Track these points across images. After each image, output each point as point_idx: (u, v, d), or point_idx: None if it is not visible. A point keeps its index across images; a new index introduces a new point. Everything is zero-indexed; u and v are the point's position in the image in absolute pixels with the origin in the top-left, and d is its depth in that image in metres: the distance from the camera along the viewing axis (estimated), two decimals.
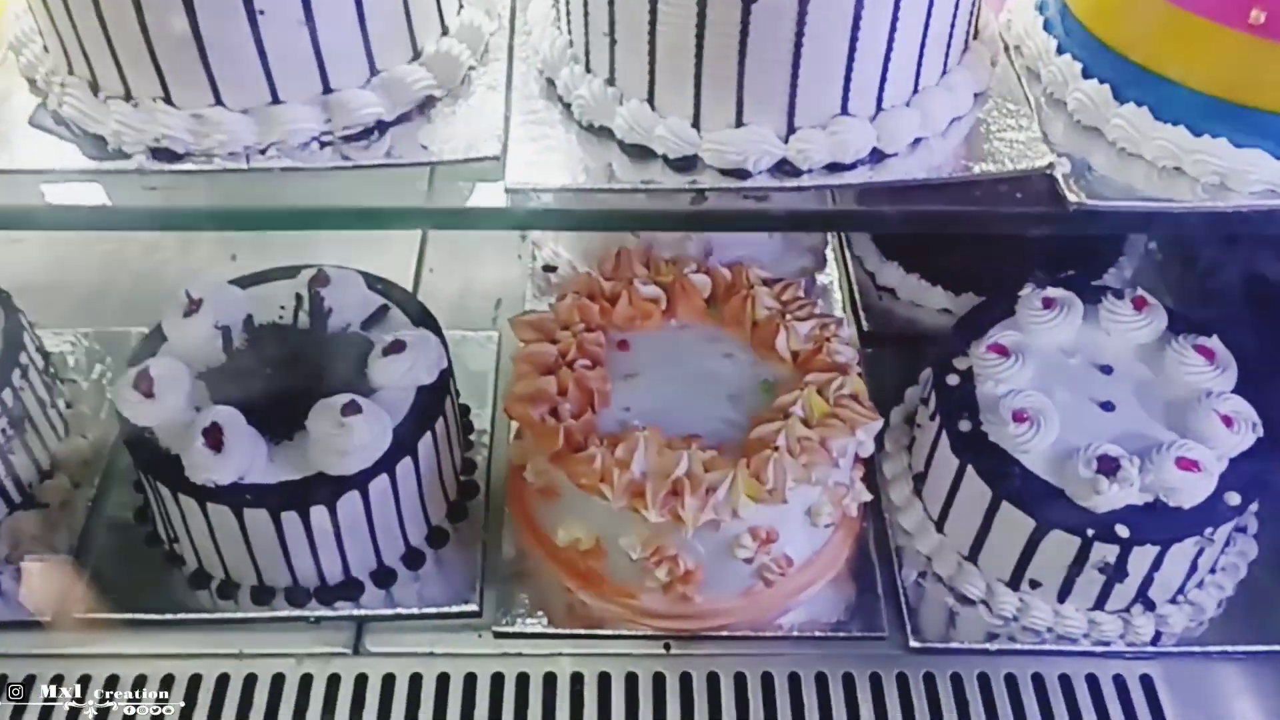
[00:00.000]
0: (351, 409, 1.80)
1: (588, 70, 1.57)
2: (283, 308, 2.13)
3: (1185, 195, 1.49)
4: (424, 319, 2.13)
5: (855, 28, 1.39)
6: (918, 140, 1.53)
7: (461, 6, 1.67)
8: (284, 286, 2.13)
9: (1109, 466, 1.78)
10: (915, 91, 1.52)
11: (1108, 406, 1.93)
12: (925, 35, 1.46)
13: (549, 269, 2.47)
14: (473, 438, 2.26)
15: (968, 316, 2.10)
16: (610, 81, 1.54)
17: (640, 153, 1.52)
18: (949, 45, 1.52)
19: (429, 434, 1.94)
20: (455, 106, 1.59)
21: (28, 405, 2.08)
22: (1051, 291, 2.05)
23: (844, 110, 1.48)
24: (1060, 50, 1.63)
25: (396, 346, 1.93)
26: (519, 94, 1.61)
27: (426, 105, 1.58)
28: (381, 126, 1.55)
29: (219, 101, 1.48)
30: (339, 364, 1.94)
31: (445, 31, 1.63)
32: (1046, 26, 1.67)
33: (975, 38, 1.62)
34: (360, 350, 1.97)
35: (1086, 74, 1.59)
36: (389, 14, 1.52)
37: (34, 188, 1.51)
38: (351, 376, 1.93)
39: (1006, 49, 1.69)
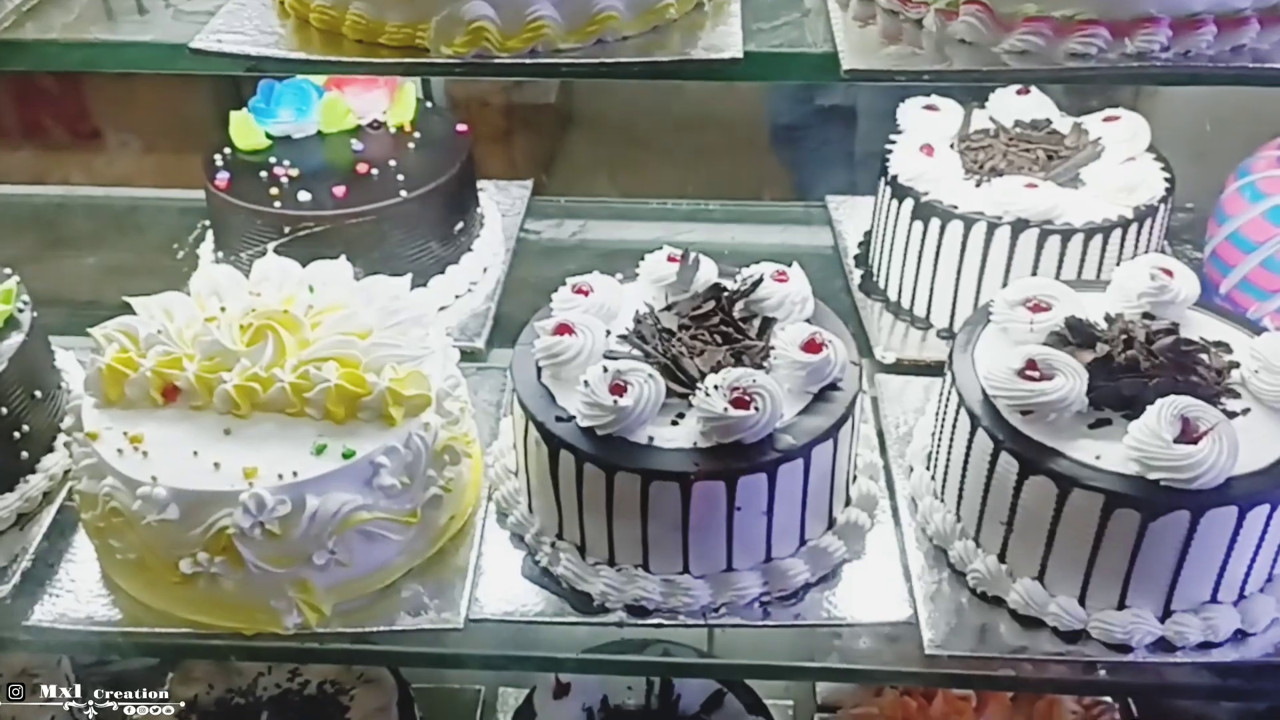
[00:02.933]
0: None
1: (977, 544, 1.88)
2: (629, 688, 2.42)
3: None
4: (757, 708, 2.40)
5: (1233, 542, 1.69)
6: (1274, 620, 1.80)
7: (855, 478, 2.02)
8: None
9: None
10: (1270, 579, 1.80)
11: None
12: None
13: None
14: None
15: None
16: (1001, 559, 1.84)
17: (1029, 622, 1.81)
18: None
19: None
20: (859, 570, 1.91)
21: None
22: None
23: (1213, 598, 1.76)
24: None
25: None
26: (913, 561, 1.93)
27: (838, 568, 1.91)
28: (806, 588, 1.87)
29: (686, 569, 1.83)
30: None
31: (849, 501, 1.98)
32: None
33: None
34: None
35: None
36: (819, 496, 1.87)
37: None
38: None
39: None
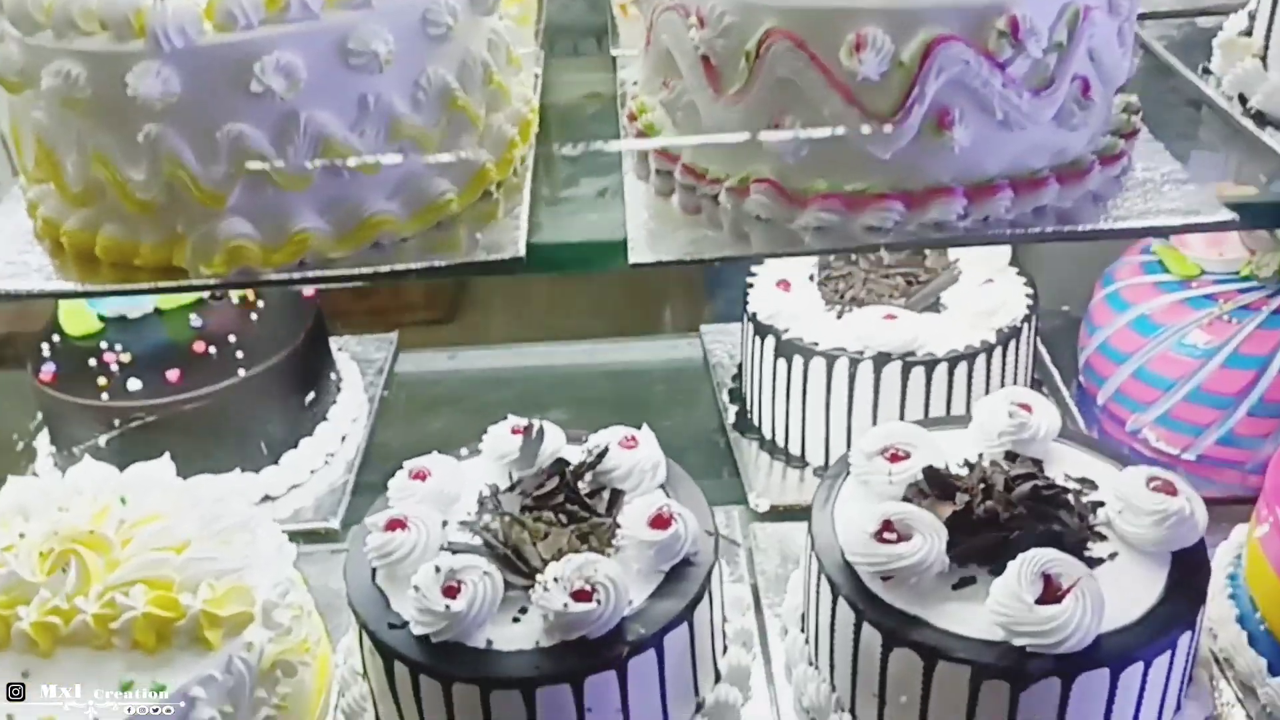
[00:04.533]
0: None
1: (853, 717, 1.77)
2: None
3: None
4: None
5: (1109, 705, 1.59)
6: None
7: (726, 649, 1.90)
8: None
9: None
10: None
11: None
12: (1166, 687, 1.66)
13: None
14: None
15: None
16: None
17: None
18: (1183, 683, 1.71)
19: None
20: None
21: None
22: None
23: None
24: (1273, 671, 1.81)
25: None
26: None
27: None
28: None
29: None
30: None
31: (718, 677, 1.86)
32: (1252, 642, 1.86)
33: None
34: None
35: None
36: (680, 682, 1.75)
37: None
38: None
39: (1218, 662, 1.88)
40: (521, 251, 1.35)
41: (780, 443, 2.36)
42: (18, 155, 1.41)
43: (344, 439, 2.43)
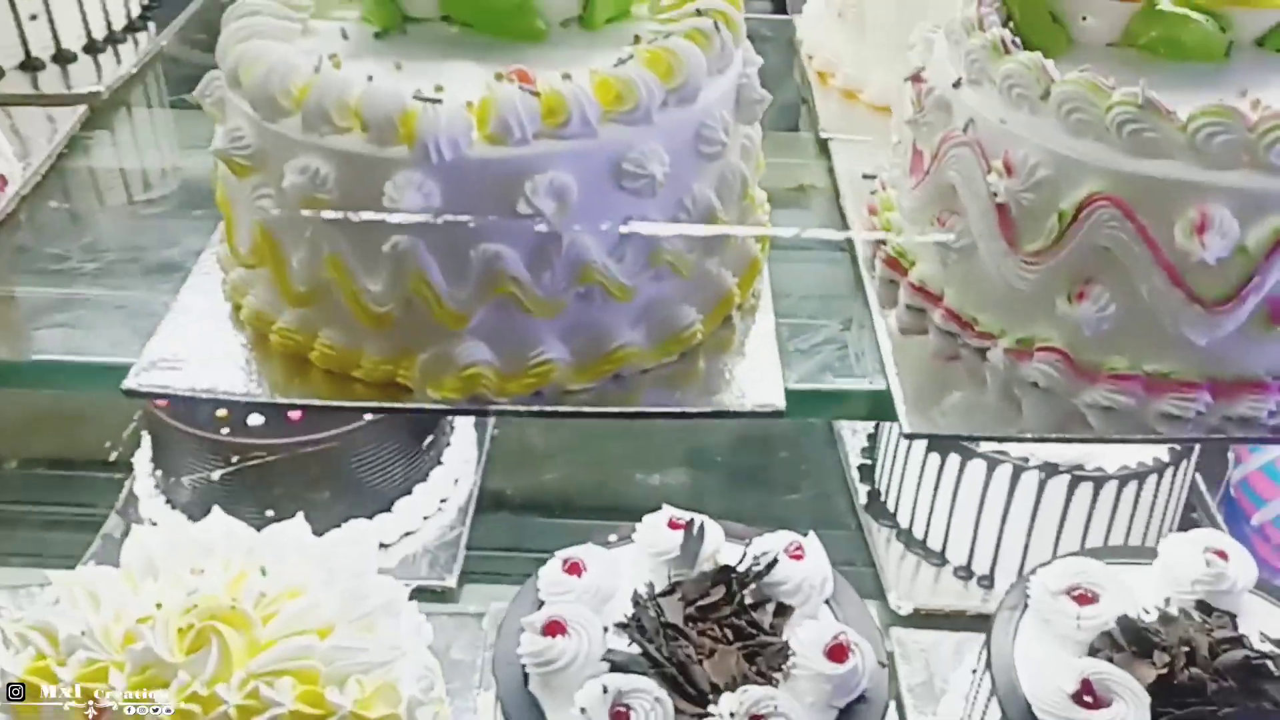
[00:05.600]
0: None
1: None
2: None
3: None
4: None
5: None
6: None
7: None
8: None
9: None
10: None
11: None
12: None
13: None
14: None
15: None
16: None
17: None
18: None
19: None
20: None
21: None
22: None
23: None
24: None
25: None
26: None
27: None
28: None
29: None
30: None
31: None
32: None
33: None
34: None
35: None
36: None
37: None
38: None
39: None
40: (780, 402, 1.22)
41: (919, 534, 2.24)
42: (227, 232, 1.28)
43: (457, 482, 2.32)
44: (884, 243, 1.40)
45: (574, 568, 1.76)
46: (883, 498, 2.32)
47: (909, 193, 1.35)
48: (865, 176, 1.62)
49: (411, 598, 1.93)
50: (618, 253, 1.19)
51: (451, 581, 2.13)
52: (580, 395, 1.23)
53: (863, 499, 2.34)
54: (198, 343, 1.27)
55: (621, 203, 1.17)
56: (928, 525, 2.22)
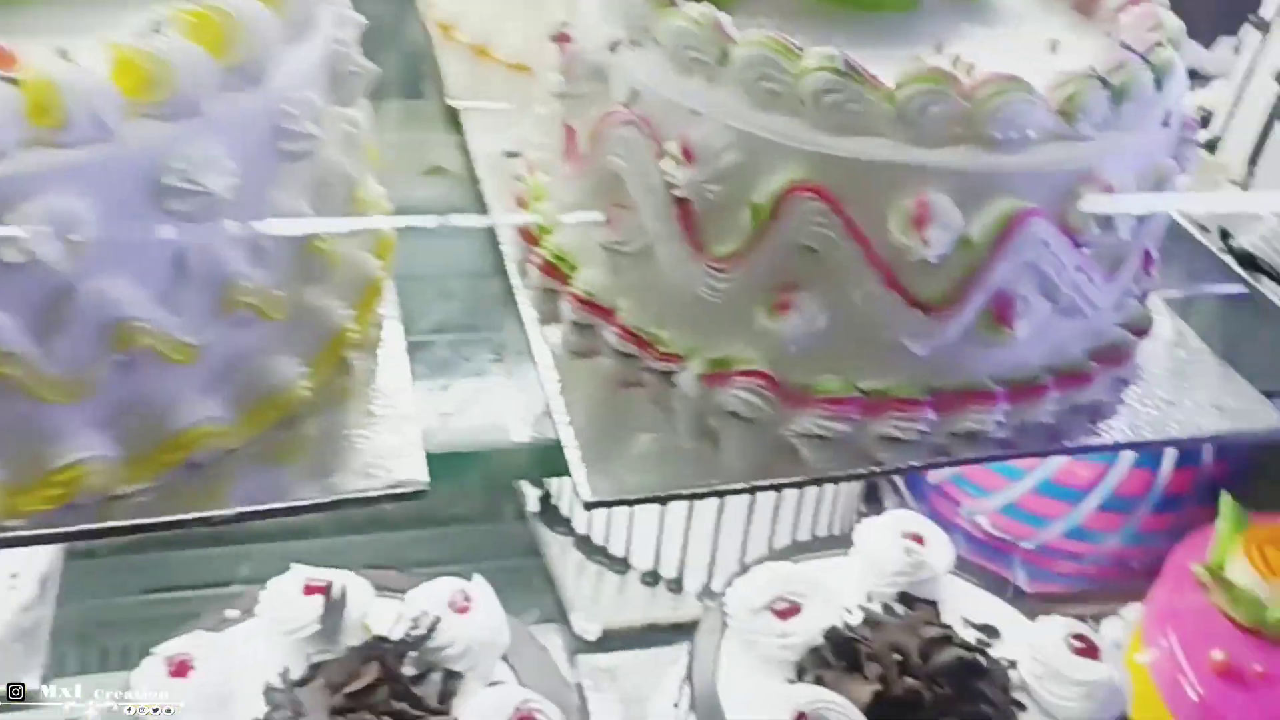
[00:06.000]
0: None
1: None
2: None
3: None
4: None
5: None
6: None
7: None
8: None
9: None
10: None
11: None
12: None
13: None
14: None
15: None
16: None
17: None
18: None
19: None
20: None
21: None
22: None
23: None
24: None
25: None
26: None
27: None
28: None
29: None
30: None
31: None
32: None
33: None
34: None
35: None
36: None
37: None
38: None
39: None
40: (423, 475, 0.92)
41: (598, 538, 2.01)
42: None
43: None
44: (538, 244, 1.12)
45: (181, 667, 1.38)
46: (553, 500, 2.07)
47: (565, 182, 1.07)
48: (508, 155, 1.34)
49: None
50: (171, 301, 0.84)
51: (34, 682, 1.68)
52: (134, 499, 0.87)
53: (534, 506, 2.08)
54: None
55: (167, 232, 0.81)
56: (607, 527, 1.99)
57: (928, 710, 1.45)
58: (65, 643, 1.73)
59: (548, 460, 0.98)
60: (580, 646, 1.86)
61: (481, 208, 1.30)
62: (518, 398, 1.04)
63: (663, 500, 0.96)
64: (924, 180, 0.91)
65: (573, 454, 0.98)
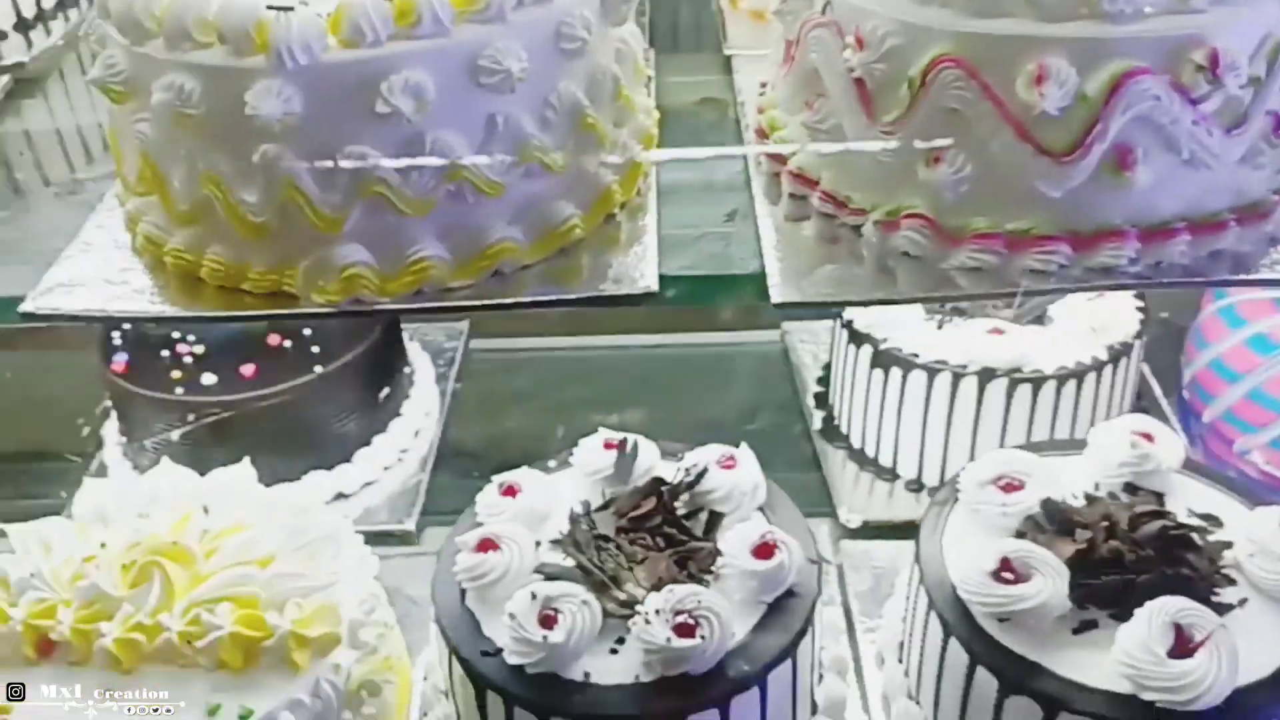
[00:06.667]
0: None
1: None
2: None
3: None
4: None
5: None
6: None
7: (822, 677, 1.82)
8: None
9: None
10: None
11: None
12: None
13: None
14: None
15: None
16: None
17: None
18: None
19: None
20: None
21: None
22: None
23: None
24: None
25: None
26: None
27: None
28: None
29: None
30: None
31: (814, 709, 1.78)
32: None
33: None
34: None
35: None
36: (779, 717, 1.68)
37: None
38: None
39: None
40: (654, 284, 1.25)
41: (870, 453, 2.27)
42: (117, 165, 1.33)
43: (417, 434, 2.36)
44: (766, 136, 1.44)
45: (510, 490, 1.80)
46: (836, 421, 2.35)
47: (781, 82, 1.38)
48: (761, 85, 1.66)
49: (373, 543, 2.00)
50: (484, 149, 1.23)
51: (410, 525, 2.17)
52: (461, 292, 1.27)
53: (817, 424, 2.37)
54: (95, 269, 1.31)
55: (482, 100, 1.21)
56: (878, 443, 2.25)
57: (1129, 570, 1.60)
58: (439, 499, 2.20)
59: (753, 286, 1.29)
60: (844, 533, 2.13)
61: (738, 125, 1.63)
62: (744, 245, 1.36)
63: (838, 306, 1.22)
64: (1045, 48, 1.15)
65: (771, 276, 1.28)
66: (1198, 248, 1.24)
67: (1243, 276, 1.25)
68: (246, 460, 1.88)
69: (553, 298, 1.26)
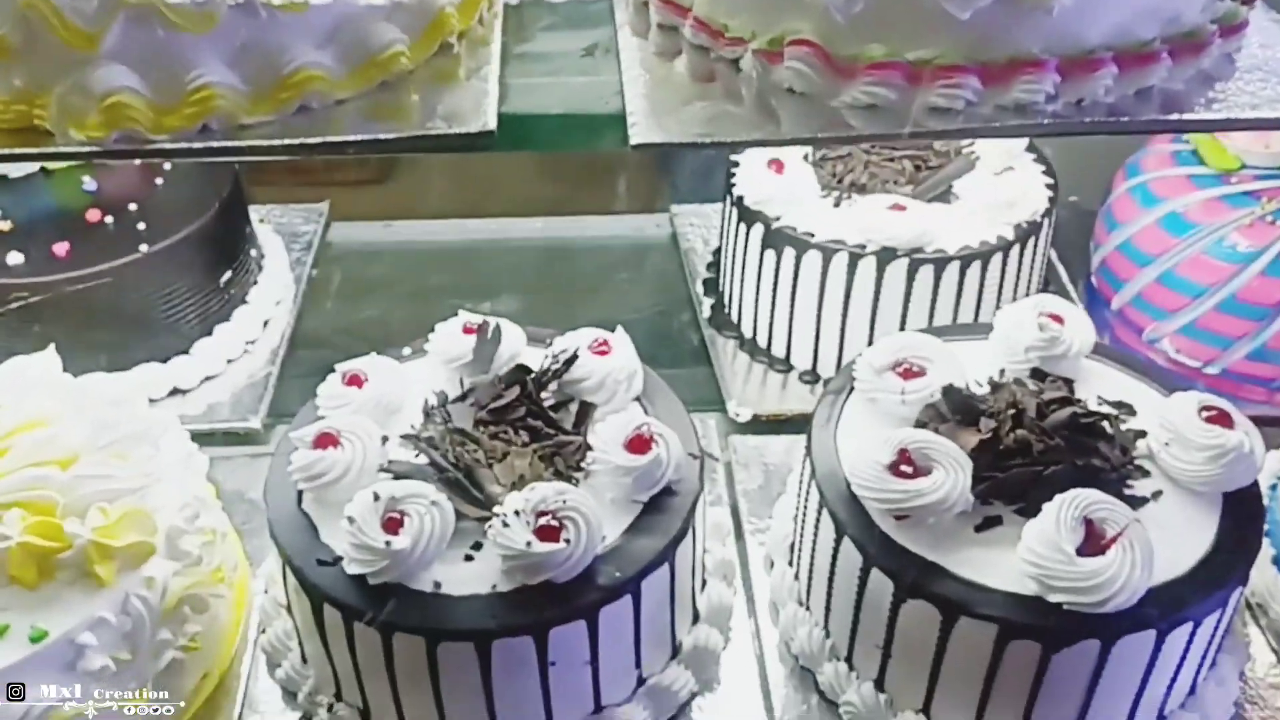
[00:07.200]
0: None
1: (850, 668, 1.56)
2: None
3: None
4: None
5: (1150, 667, 1.39)
6: None
7: (705, 583, 1.67)
8: None
9: None
10: (1192, 692, 1.52)
11: None
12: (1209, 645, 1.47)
13: None
14: None
15: None
16: (879, 687, 1.53)
17: None
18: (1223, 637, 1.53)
19: None
20: (710, 706, 1.58)
21: None
22: None
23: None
24: None
25: None
26: (775, 688, 1.60)
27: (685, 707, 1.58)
28: None
29: None
30: None
31: (696, 617, 1.64)
32: None
33: None
34: None
35: None
36: (656, 626, 1.52)
37: None
38: None
39: (1250, 608, 1.70)
40: (491, 124, 1.05)
41: (762, 343, 2.11)
42: None
43: (266, 324, 2.14)
44: None
45: (355, 380, 1.60)
46: (726, 309, 2.18)
47: None
48: None
49: (215, 443, 1.79)
50: None
51: (257, 423, 1.95)
52: (259, 130, 1.04)
53: (706, 313, 2.20)
54: None
55: None
56: (770, 331, 2.08)
57: (1036, 461, 1.47)
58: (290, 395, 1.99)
59: (608, 127, 1.09)
60: (733, 428, 1.97)
61: None
62: (602, 81, 1.15)
63: (709, 148, 1.03)
64: None
65: (631, 115, 1.08)
66: (1124, 84, 1.07)
67: (1176, 116, 1.08)
68: (51, 348, 1.64)
69: (369, 137, 1.03)
